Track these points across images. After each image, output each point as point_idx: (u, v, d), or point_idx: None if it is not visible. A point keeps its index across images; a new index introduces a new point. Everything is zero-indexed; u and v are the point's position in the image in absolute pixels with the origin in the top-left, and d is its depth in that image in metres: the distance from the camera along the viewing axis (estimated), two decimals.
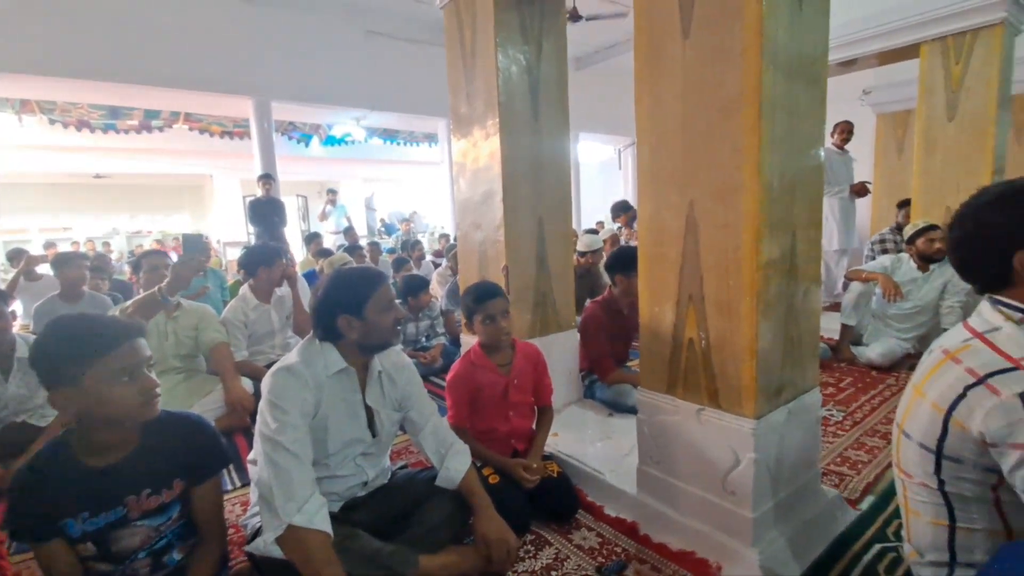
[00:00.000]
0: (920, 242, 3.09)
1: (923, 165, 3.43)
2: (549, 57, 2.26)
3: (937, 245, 3.03)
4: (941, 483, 1.01)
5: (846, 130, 4.67)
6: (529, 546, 1.60)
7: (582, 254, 4.09)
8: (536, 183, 2.26)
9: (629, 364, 2.72)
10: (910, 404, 1.08)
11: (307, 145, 10.09)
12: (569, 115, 2.34)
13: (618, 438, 2.04)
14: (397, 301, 1.48)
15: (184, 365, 2.61)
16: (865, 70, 4.36)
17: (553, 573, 1.47)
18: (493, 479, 1.67)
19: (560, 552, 1.57)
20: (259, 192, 5.83)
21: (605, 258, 3.51)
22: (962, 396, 0.94)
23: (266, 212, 5.71)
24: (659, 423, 1.62)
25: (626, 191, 9.05)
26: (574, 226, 7.72)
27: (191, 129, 8.70)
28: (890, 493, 1.79)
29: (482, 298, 1.75)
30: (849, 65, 3.92)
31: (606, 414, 2.34)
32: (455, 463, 1.51)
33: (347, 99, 6.42)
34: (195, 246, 3.44)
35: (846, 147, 4.73)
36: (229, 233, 9.93)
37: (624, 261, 2.45)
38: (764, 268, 1.38)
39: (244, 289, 2.96)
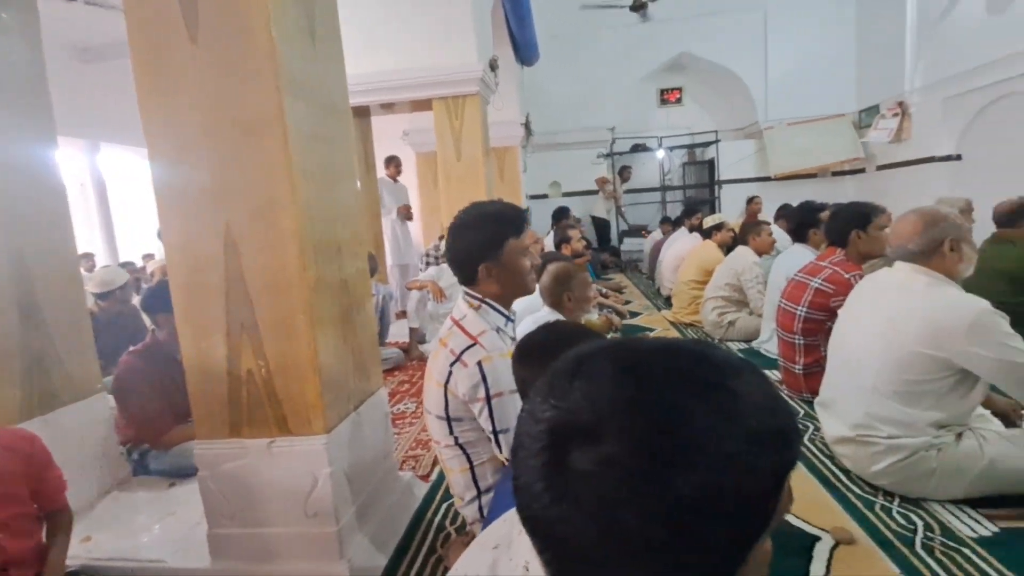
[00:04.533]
0: None
1: (446, 194, 4.39)
2: (10, 31, 1.65)
3: None
4: (456, 439, 1.32)
5: (398, 164, 5.48)
6: None
7: (101, 296, 3.18)
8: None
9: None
10: (427, 387, 1.35)
11: None
12: (53, 113, 1.77)
13: (184, 510, 1.68)
14: None
15: None
16: (405, 113, 5.20)
17: None
18: None
19: None
20: None
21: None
22: (450, 372, 1.27)
23: None
24: (226, 473, 1.42)
25: None
26: (109, 260, 6.06)
27: None
28: None
29: None
30: (389, 108, 4.59)
31: (166, 487, 1.90)
32: None
33: None
34: None
35: (399, 179, 5.54)
36: None
37: (165, 297, 2.04)
38: (315, 286, 1.40)
39: None
